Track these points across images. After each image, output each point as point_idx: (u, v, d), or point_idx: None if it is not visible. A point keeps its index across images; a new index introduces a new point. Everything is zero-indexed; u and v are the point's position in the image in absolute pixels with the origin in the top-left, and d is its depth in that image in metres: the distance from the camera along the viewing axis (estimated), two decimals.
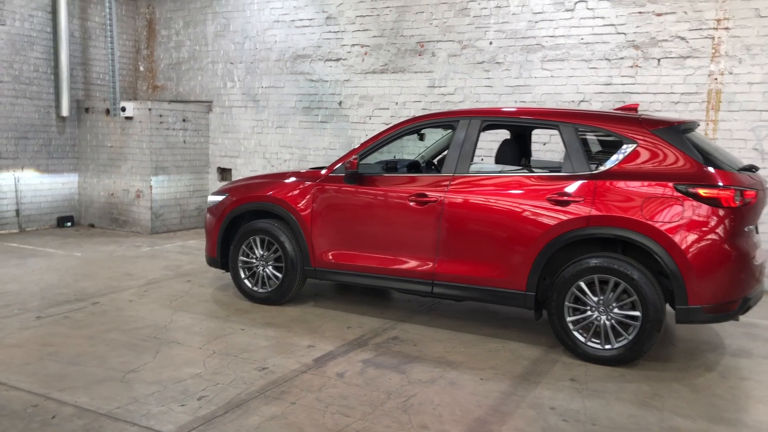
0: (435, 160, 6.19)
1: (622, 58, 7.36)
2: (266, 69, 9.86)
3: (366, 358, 4.35)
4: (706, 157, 4.32)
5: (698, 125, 5.09)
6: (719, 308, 4.13)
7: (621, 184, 4.30)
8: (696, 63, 7.01)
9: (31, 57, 9.54)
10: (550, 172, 4.80)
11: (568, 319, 4.43)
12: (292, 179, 5.58)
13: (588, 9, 7.51)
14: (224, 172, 10.40)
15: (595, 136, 4.72)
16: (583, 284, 4.36)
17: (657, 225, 4.13)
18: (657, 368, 4.33)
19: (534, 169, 5.17)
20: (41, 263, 7.16)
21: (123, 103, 9.63)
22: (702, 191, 4.11)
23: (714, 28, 6.91)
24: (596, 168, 4.45)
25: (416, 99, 8.64)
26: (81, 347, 4.42)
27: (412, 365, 4.24)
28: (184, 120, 10.04)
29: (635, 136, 4.39)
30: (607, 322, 4.31)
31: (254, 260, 5.65)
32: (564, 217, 4.40)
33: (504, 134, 6.22)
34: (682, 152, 4.25)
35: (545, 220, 4.46)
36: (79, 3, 10.17)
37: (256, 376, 3.98)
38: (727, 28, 6.85)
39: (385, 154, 6.85)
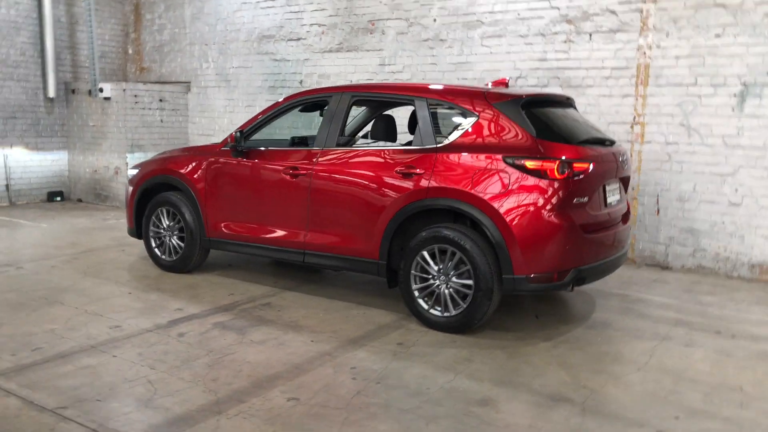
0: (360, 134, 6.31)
1: (556, 33, 7.31)
2: (236, 50, 10.17)
3: (220, 321, 4.63)
4: (545, 130, 4.36)
5: (565, 98, 5.11)
6: (544, 278, 4.20)
7: (457, 156, 4.41)
8: (625, 37, 6.90)
9: (18, 41, 10.14)
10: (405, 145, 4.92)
11: (414, 287, 4.58)
12: (193, 153, 5.87)
13: None
14: None
15: (446, 110, 4.81)
16: (426, 253, 4.50)
17: (484, 196, 4.23)
18: (496, 336, 4.45)
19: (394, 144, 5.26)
20: (3, 233, 7.73)
21: (101, 85, 10.15)
22: (528, 163, 4.17)
23: (642, 1, 6.78)
24: (441, 141, 4.55)
25: (368, 77, 8.78)
26: None
27: (257, 328, 4.50)
28: (161, 100, 10.49)
29: (477, 109, 4.47)
30: (447, 291, 4.45)
31: (162, 230, 6.00)
32: (408, 189, 4.53)
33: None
34: (517, 125, 4.31)
35: (392, 192, 4.61)
36: None
37: (103, 332, 4.33)
38: (654, 1, 6.71)
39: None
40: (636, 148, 6.94)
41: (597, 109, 7.13)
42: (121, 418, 3.12)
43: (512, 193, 4.18)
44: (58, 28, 10.59)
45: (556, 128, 4.48)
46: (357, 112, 6.62)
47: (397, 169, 4.61)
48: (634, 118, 6.93)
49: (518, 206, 4.16)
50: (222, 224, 5.59)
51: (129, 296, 5.21)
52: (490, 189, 4.23)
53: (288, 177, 5.14)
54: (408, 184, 4.55)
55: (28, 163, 10.42)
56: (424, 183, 4.47)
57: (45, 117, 10.60)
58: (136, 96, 10.15)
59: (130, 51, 11.72)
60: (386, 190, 4.64)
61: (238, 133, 5.38)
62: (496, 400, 3.43)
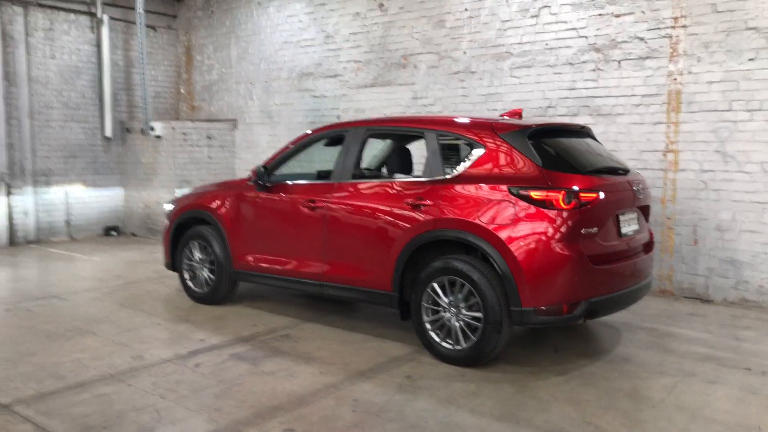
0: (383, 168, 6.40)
1: (584, 62, 7.26)
2: (278, 87, 10.54)
3: (237, 352, 4.76)
4: (553, 160, 4.35)
5: (580, 127, 5.07)
6: (553, 311, 4.14)
7: (465, 187, 4.43)
8: (655, 63, 6.79)
9: (78, 85, 10.84)
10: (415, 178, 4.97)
11: (425, 319, 4.59)
12: (223, 188, 6.11)
13: (551, 14, 7.47)
14: None
15: (454, 142, 4.84)
16: (436, 285, 4.52)
17: (489, 227, 4.23)
18: (508, 370, 4.39)
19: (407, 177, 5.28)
20: (59, 266, 8.20)
21: (152, 123, 10.69)
22: (533, 193, 4.15)
23: (671, 27, 6.68)
24: (449, 173, 4.59)
25: (401, 110, 8.92)
26: (11, 333, 5.17)
27: (271, 359, 4.60)
28: (208, 137, 10.94)
29: (484, 140, 4.50)
30: (457, 323, 4.43)
31: (194, 263, 6.23)
32: (417, 221, 4.58)
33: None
34: (523, 155, 4.31)
35: (402, 224, 4.67)
36: (122, 36, 11.40)
37: (126, 361, 4.52)
38: (684, 26, 6.59)
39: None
40: (670, 176, 6.76)
41: (628, 138, 7.00)
42: None
43: (518, 224, 4.17)
44: (115, 71, 11.26)
45: (565, 158, 4.45)
46: (381, 146, 6.75)
47: (407, 200, 4.67)
48: (667, 145, 6.77)
49: (524, 237, 4.14)
50: (247, 256, 5.76)
51: (157, 327, 5.42)
52: (496, 220, 4.23)
53: (306, 210, 5.27)
54: (417, 216, 4.59)
55: (86, 199, 11.01)
56: (431, 214, 4.51)
57: (102, 155, 11.21)
58: (184, 134, 10.62)
59: (182, 91, 12.30)
60: (396, 221, 4.70)
61: (262, 168, 5.57)
62: None
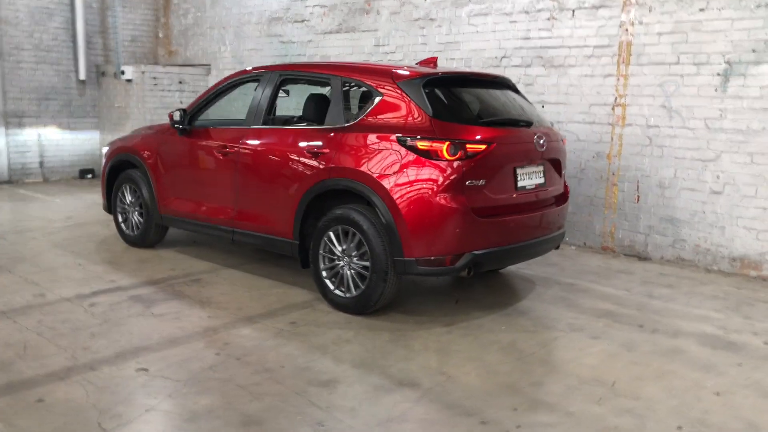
0: None
1: (539, 11, 7.00)
2: (249, 32, 10.37)
3: (138, 294, 4.81)
4: (448, 110, 4.23)
5: (492, 77, 4.91)
6: (435, 262, 4.09)
7: (359, 136, 4.34)
8: (608, 13, 6.52)
9: (51, 27, 10.76)
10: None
11: (321, 267, 4.58)
12: (152, 132, 6.07)
13: None
14: None
15: (356, 89, 4.71)
16: (332, 234, 4.48)
17: (377, 176, 4.15)
18: (397, 320, 4.38)
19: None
20: (17, 206, 8.33)
21: (123, 67, 10.63)
22: (419, 143, 4.06)
23: None
24: (349, 121, 4.50)
25: (365, 58, 8.74)
26: None
27: (167, 302, 4.64)
28: (180, 82, 10.86)
29: (382, 88, 4.38)
30: (349, 272, 4.41)
31: (127, 206, 6.26)
32: (316, 169, 4.52)
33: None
34: (416, 105, 4.20)
35: (302, 172, 4.61)
36: None
37: (25, 299, 4.60)
38: None
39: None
40: (617, 131, 6.57)
41: (579, 90, 6.80)
42: None
43: (403, 174, 4.09)
44: (89, 13, 11.13)
45: (462, 108, 4.32)
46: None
47: (308, 149, 4.60)
48: (616, 99, 6.55)
49: (407, 187, 4.07)
50: (170, 201, 5.77)
51: (78, 268, 5.49)
52: (382, 170, 4.16)
53: (220, 155, 5.23)
54: (315, 164, 4.53)
55: (60, 142, 11.07)
56: (327, 163, 4.44)
57: (77, 98, 11.21)
58: (155, 78, 10.56)
59: (160, 35, 12.17)
60: (297, 169, 4.65)
61: (179, 112, 5.51)
62: (340, 382, 3.40)
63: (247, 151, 5.03)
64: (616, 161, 6.60)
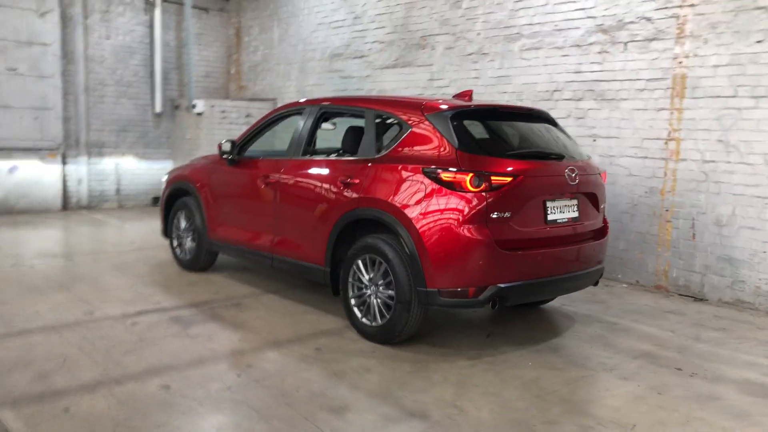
0: None
1: (591, 44, 6.93)
2: (312, 68, 10.75)
3: (179, 315, 5.02)
4: (473, 142, 4.26)
5: (527, 110, 4.88)
6: (458, 294, 4.06)
7: (387, 167, 4.42)
8: (661, 45, 6.38)
9: (131, 64, 11.55)
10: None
11: (350, 294, 4.64)
12: (206, 161, 6.37)
13: None
14: None
15: (388, 122, 4.79)
16: (360, 263, 4.54)
17: (401, 207, 4.20)
18: (422, 351, 4.36)
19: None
20: (90, 230, 8.88)
21: (194, 101, 11.23)
22: (444, 175, 4.08)
23: (679, 6, 6.24)
24: (381, 152, 4.58)
25: (419, 92, 8.87)
26: (1, 285, 5.70)
27: (204, 324, 4.82)
28: (247, 115, 11.36)
29: (412, 121, 4.45)
30: (376, 301, 4.45)
31: (181, 232, 6.57)
32: (347, 199, 4.62)
33: None
34: (443, 137, 4.24)
35: (334, 202, 4.72)
36: (175, 17, 12.00)
37: (75, 316, 4.89)
38: (692, 5, 6.14)
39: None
40: (671, 165, 6.35)
41: (631, 124, 6.64)
42: (9, 385, 3.56)
43: (427, 204, 4.11)
44: (166, 51, 11.88)
45: (489, 141, 4.32)
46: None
47: (340, 179, 4.71)
48: (669, 133, 6.35)
49: (431, 218, 4.08)
50: (218, 228, 6.01)
51: (129, 289, 5.78)
52: (407, 200, 4.20)
53: (262, 184, 5.43)
54: (346, 194, 4.63)
55: (136, 170, 11.76)
56: (357, 193, 4.53)
57: (152, 130, 11.91)
58: (223, 111, 11.09)
59: (232, 71, 12.80)
60: (330, 198, 4.76)
61: (227, 143, 5.77)
62: (351, 410, 3.41)
63: (285, 180, 5.20)
64: (670, 197, 6.37)
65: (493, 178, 4.02)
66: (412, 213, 4.15)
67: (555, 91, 7.28)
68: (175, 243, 6.67)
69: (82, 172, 11.11)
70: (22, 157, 10.44)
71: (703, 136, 6.11)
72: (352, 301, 4.63)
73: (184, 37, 12.09)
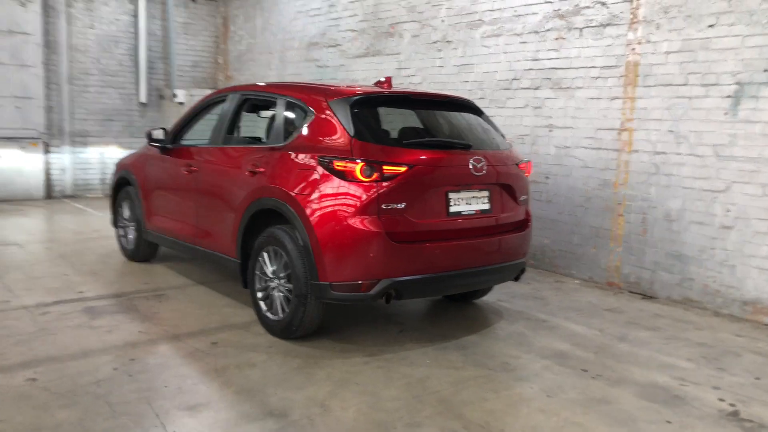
0: None
1: (548, 30, 6.67)
2: (291, 57, 10.64)
3: (93, 305, 4.97)
4: (371, 131, 4.10)
5: (440, 97, 4.67)
6: (349, 288, 3.91)
7: (288, 155, 4.28)
8: (615, 31, 6.10)
9: (116, 53, 11.58)
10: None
11: (256, 287, 4.52)
12: (144, 150, 6.30)
13: None
14: None
15: (297, 109, 4.63)
16: (265, 254, 4.42)
17: (296, 196, 4.07)
18: (322, 346, 4.23)
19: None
20: (62, 218, 8.97)
21: (175, 91, 11.22)
22: (336, 164, 3.93)
23: None
24: (286, 140, 4.45)
25: None
26: None
27: (114, 315, 4.75)
28: None
29: (316, 108, 4.30)
30: (279, 294, 4.33)
31: (125, 221, 6.53)
32: (253, 188, 4.50)
33: None
34: (341, 125, 4.08)
35: (243, 191, 4.60)
36: (161, 6, 11.98)
37: None
38: None
39: None
40: (623, 157, 6.09)
41: (586, 113, 6.38)
42: None
43: (321, 195, 3.97)
44: (152, 40, 11.88)
45: (392, 130, 4.14)
46: None
47: (248, 167, 4.59)
48: (622, 123, 6.08)
49: (324, 209, 3.94)
50: (153, 218, 5.95)
51: (61, 278, 5.76)
52: (302, 189, 4.06)
53: (186, 173, 5.34)
54: (254, 183, 4.50)
55: None
56: (262, 182, 4.41)
57: (138, 120, 11.93)
58: None
59: (220, 60, 12.75)
60: (239, 188, 4.64)
61: (160, 131, 5.69)
62: (209, 408, 3.31)
63: (204, 169, 5.10)
64: (623, 190, 6.11)
65: (385, 167, 3.86)
66: (305, 203, 4.02)
67: (514, 79, 7.04)
68: (121, 232, 6.63)
69: (65, 161, 11.20)
70: (3, 146, 10.55)
71: (655, 126, 5.84)
72: (259, 294, 4.51)
73: (171, 26, 12.07)
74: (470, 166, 4.16)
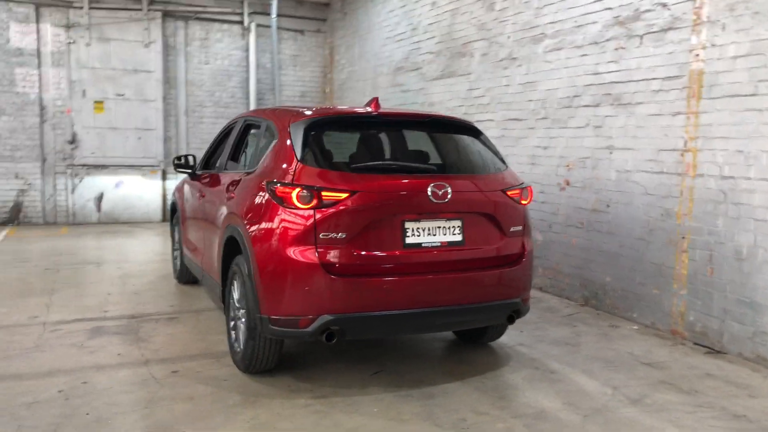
0: None
1: (608, 40, 5.93)
2: (380, 83, 10.60)
3: (104, 326, 5.15)
4: (322, 155, 3.83)
5: (425, 118, 4.23)
6: (288, 323, 3.62)
7: (250, 180, 4.13)
8: (677, 36, 5.25)
9: (229, 86, 12.34)
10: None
11: (228, 316, 4.40)
12: (187, 177, 6.50)
13: None
14: None
15: (269, 132, 4.42)
16: (235, 282, 4.29)
17: (245, 223, 3.89)
18: (279, 385, 3.97)
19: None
20: (157, 240, 9.56)
21: None
22: (278, 189, 3.69)
23: None
24: (256, 164, 4.30)
25: (459, 103, 8.30)
26: (10, 285, 6.33)
27: (110, 336, 4.88)
28: None
29: (280, 131, 4.11)
30: (241, 324, 4.17)
31: (176, 245, 6.79)
32: (226, 214, 4.41)
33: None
34: (292, 148, 3.85)
35: (222, 216, 4.52)
36: (271, 40, 12.57)
37: (15, 320, 5.25)
38: None
39: None
40: (687, 183, 5.18)
41: (646, 132, 5.54)
42: None
43: (264, 221, 3.76)
44: (262, 73, 12.50)
45: (343, 154, 3.83)
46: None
47: (226, 193, 4.51)
48: (685, 142, 5.18)
49: (264, 236, 3.72)
50: (185, 242, 6.10)
51: (102, 297, 6.08)
52: (252, 216, 3.88)
53: (200, 199, 5.40)
54: (227, 208, 4.41)
55: None
56: (231, 208, 4.30)
57: None
58: None
59: (327, 90, 13.09)
60: (221, 213, 4.57)
61: (192, 157, 5.84)
62: None
63: (206, 195, 5.13)
64: (687, 221, 5.17)
65: (324, 193, 3.55)
66: (251, 230, 3.83)
67: (575, 96, 6.33)
68: (175, 255, 6.89)
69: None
70: (126, 173, 11.62)
71: (721, 145, 4.88)
72: (230, 324, 4.37)
73: (281, 59, 12.62)
74: (429, 193, 3.70)
